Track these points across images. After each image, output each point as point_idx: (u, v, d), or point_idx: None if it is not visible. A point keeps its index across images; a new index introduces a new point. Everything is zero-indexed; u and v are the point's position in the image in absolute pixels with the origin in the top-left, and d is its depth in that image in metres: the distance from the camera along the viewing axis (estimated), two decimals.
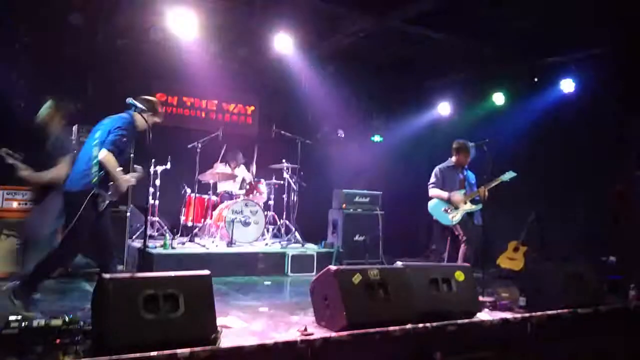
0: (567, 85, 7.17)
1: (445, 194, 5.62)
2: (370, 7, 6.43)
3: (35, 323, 2.94)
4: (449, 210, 5.59)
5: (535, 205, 7.01)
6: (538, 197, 7.18)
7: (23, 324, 2.88)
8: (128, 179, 4.08)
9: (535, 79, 7.63)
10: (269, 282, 5.88)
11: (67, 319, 3.02)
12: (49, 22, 6.40)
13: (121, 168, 3.99)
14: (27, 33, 6.45)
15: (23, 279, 3.89)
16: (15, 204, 5.39)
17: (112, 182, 3.95)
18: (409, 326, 3.61)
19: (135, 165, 4.37)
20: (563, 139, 7.17)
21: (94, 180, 3.85)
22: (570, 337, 4.25)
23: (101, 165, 3.87)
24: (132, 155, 4.73)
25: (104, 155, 3.84)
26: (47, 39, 6.64)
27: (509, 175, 5.50)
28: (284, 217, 7.55)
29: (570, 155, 7.10)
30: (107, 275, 3.07)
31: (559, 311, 4.28)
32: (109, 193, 3.96)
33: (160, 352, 2.83)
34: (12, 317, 2.90)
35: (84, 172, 3.88)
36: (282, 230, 7.46)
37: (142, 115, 4.08)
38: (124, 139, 3.92)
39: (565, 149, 7.18)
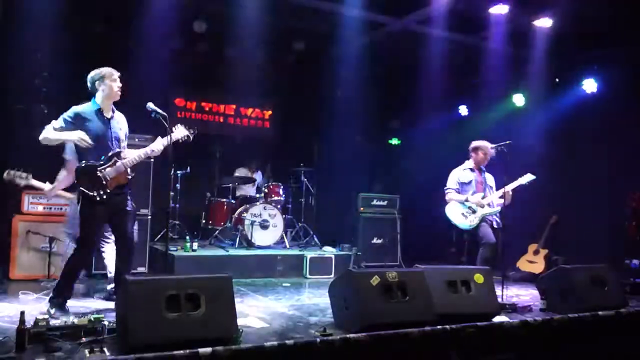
0: (589, 86, 7.05)
1: (463, 197, 5.58)
2: (386, 9, 6.47)
3: (62, 322, 3.03)
4: (466, 214, 5.51)
5: (556, 208, 6.93)
6: (559, 199, 7.11)
7: (50, 323, 2.98)
8: (73, 135, 3.87)
9: (557, 79, 7.53)
10: (288, 284, 5.92)
11: (92, 318, 3.11)
12: (69, 28, 6.55)
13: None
14: (48, 38, 6.60)
15: (55, 287, 3.98)
16: (40, 208, 5.53)
17: (99, 170, 3.87)
18: (427, 328, 3.62)
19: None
20: (584, 140, 7.07)
21: (78, 176, 3.86)
22: (592, 341, 4.20)
23: (79, 160, 3.88)
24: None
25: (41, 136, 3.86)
26: (66, 44, 6.79)
27: (527, 178, 5.44)
28: (302, 220, 7.59)
29: (592, 157, 7.00)
30: (130, 277, 3.15)
31: (580, 314, 4.23)
32: (103, 182, 3.86)
33: (182, 351, 2.89)
34: (40, 316, 2.99)
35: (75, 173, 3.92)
36: (301, 233, 7.50)
37: (100, 90, 4.00)
38: (62, 117, 3.88)
39: (586, 151, 7.08)
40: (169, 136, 4.15)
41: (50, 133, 3.89)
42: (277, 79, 8.57)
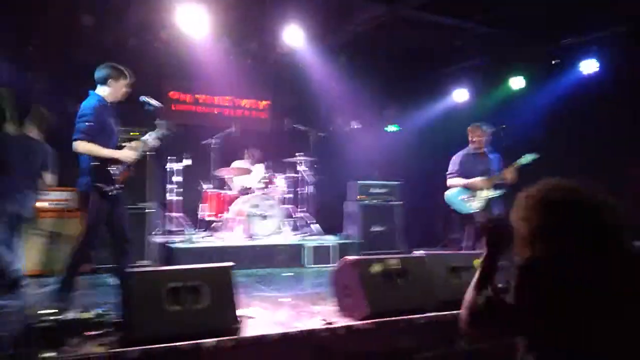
0: (588, 67, 6.97)
1: (462, 181, 5.52)
2: None
3: (67, 316, 3.03)
4: (466, 199, 5.48)
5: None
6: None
7: (56, 317, 2.98)
8: (126, 154, 3.99)
9: (554, 61, 7.48)
10: (288, 274, 5.93)
11: (97, 312, 3.11)
12: (59, 23, 6.48)
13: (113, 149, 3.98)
14: (38, 34, 6.54)
15: (59, 282, 3.98)
16: (46, 204, 5.51)
17: (111, 166, 3.91)
18: (432, 314, 3.63)
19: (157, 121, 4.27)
20: (584, 122, 7.03)
21: (94, 173, 3.87)
22: None
23: (89, 157, 3.88)
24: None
25: (75, 147, 3.83)
26: (58, 39, 6.73)
27: (530, 157, 5.38)
28: (301, 209, 7.59)
29: (592, 138, 6.97)
30: (132, 270, 3.15)
31: None
32: (114, 178, 3.92)
33: (186, 343, 2.90)
34: (45, 311, 2.99)
35: (83, 170, 3.92)
36: (300, 223, 7.50)
37: (108, 86, 4.02)
38: (87, 123, 3.83)
39: (586, 133, 7.05)
40: (158, 122, 4.13)
41: (97, 149, 3.86)
42: (272, 68, 8.52)
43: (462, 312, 1.74)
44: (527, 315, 1.64)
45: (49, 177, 4.82)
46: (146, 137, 4.23)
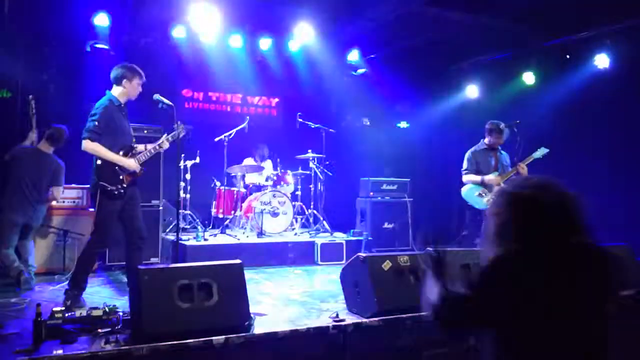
0: (602, 61, 6.87)
1: (478, 178, 5.53)
2: None
3: (77, 314, 3.07)
4: (483, 194, 5.50)
5: (569, 187, 6.84)
6: (572, 178, 6.99)
7: (66, 314, 3.01)
8: (128, 163, 4.04)
9: (567, 56, 7.38)
10: (299, 271, 5.95)
11: (107, 309, 3.14)
12: (73, 22, 6.55)
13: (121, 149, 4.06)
14: (52, 33, 6.61)
15: (70, 279, 4.03)
16: (54, 202, 5.58)
17: (117, 166, 3.97)
18: None
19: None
20: (598, 117, 6.94)
21: (97, 172, 3.93)
22: (617, 322, 4.16)
23: (98, 157, 3.93)
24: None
25: (83, 146, 3.90)
26: (71, 38, 6.80)
27: (541, 151, 5.38)
28: (312, 206, 7.59)
29: (606, 133, 6.88)
30: (143, 267, 3.18)
31: None
32: (120, 177, 3.97)
33: (196, 340, 2.92)
34: (56, 308, 3.03)
35: (93, 168, 3.99)
36: (311, 220, 7.51)
37: (122, 86, 4.09)
38: (96, 122, 3.90)
39: (600, 128, 6.96)
40: (176, 126, 4.19)
41: (101, 150, 3.92)
42: (282, 66, 8.52)
43: (433, 311, 1.80)
44: (487, 310, 1.69)
45: (58, 192, 5.05)
46: (162, 139, 4.31)
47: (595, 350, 1.68)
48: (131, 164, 4.07)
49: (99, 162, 3.94)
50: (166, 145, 4.32)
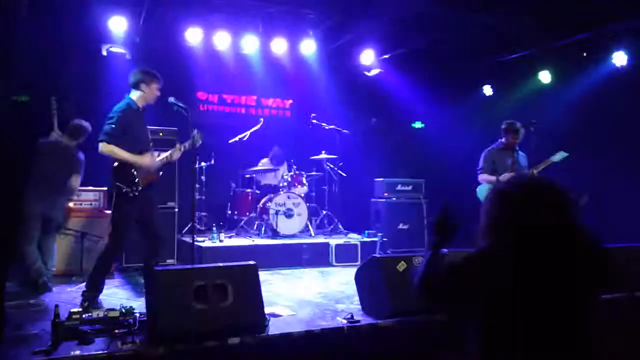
0: (619, 59, 6.77)
1: (493, 178, 5.45)
2: None
3: (94, 315, 3.10)
4: None
5: (588, 187, 6.74)
6: (590, 178, 6.90)
7: (84, 316, 3.05)
8: (144, 162, 4.08)
9: (584, 54, 7.27)
10: (314, 272, 5.94)
11: (123, 310, 3.17)
12: (90, 26, 6.64)
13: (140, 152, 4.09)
14: (69, 37, 6.71)
15: (87, 281, 4.08)
16: (71, 205, 5.66)
17: (134, 168, 4.01)
18: None
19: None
20: (616, 116, 6.82)
21: (113, 174, 3.97)
22: (630, 322, 4.09)
23: (115, 159, 3.97)
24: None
25: (100, 148, 3.94)
26: (88, 42, 6.90)
27: (560, 155, 5.26)
28: (326, 208, 7.59)
29: (624, 132, 6.75)
30: (159, 268, 3.21)
31: (616, 295, 4.13)
32: (136, 180, 4.00)
33: (212, 342, 2.93)
34: (73, 310, 3.07)
35: (110, 170, 4.03)
36: (325, 221, 7.51)
37: (141, 90, 4.14)
38: (114, 125, 3.94)
39: (618, 127, 6.84)
40: (193, 135, 4.24)
41: (118, 151, 3.96)
42: (296, 67, 8.54)
43: (418, 282, 1.90)
44: (458, 295, 1.79)
45: (75, 180, 5.09)
46: (175, 150, 4.37)
47: (573, 346, 1.68)
48: (146, 160, 4.11)
49: (115, 164, 3.98)
50: (177, 156, 4.38)
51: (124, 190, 3.93)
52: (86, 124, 5.19)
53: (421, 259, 3.77)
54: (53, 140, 5.09)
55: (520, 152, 5.65)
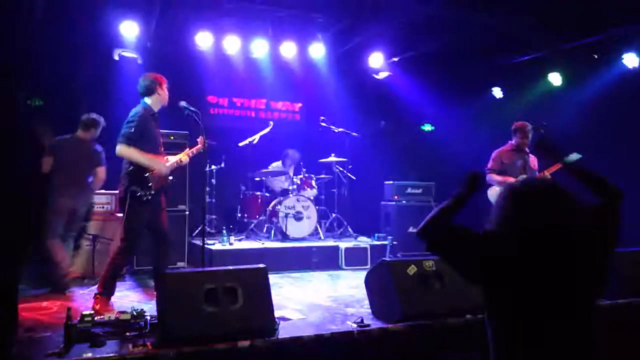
0: (630, 60, 6.71)
1: (501, 178, 5.42)
2: None
3: (106, 317, 3.13)
4: None
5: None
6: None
7: (96, 318, 3.08)
8: (160, 165, 4.14)
9: (595, 56, 7.22)
10: (323, 276, 5.94)
11: (135, 313, 3.19)
12: (102, 31, 6.71)
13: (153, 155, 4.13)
14: (81, 42, 6.78)
15: (98, 284, 4.12)
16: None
17: (148, 172, 4.05)
18: (468, 317, 3.56)
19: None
20: (628, 117, 6.76)
21: (128, 177, 4.01)
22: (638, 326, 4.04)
23: (130, 163, 4.01)
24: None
25: (118, 150, 3.99)
26: (100, 46, 6.97)
27: (573, 157, 5.22)
28: (336, 211, 7.59)
29: (636, 134, 6.68)
30: (170, 272, 3.23)
31: (627, 300, 4.08)
32: (149, 184, 4.05)
33: (222, 344, 2.94)
34: (85, 312, 3.10)
35: (122, 174, 4.07)
36: (335, 224, 7.50)
37: (156, 94, 4.21)
38: (133, 129, 3.98)
39: (630, 128, 6.77)
40: (201, 134, 4.28)
41: (136, 154, 4.00)
42: (305, 71, 8.56)
43: (424, 222, 1.94)
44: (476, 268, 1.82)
45: (102, 172, 5.25)
46: (183, 154, 4.42)
47: (578, 340, 1.74)
48: (160, 166, 4.16)
49: (131, 167, 4.01)
50: (186, 160, 4.43)
51: (139, 193, 3.97)
52: (96, 115, 5.28)
53: (432, 262, 3.77)
54: (68, 137, 5.20)
55: (531, 155, 5.61)
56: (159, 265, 4.20)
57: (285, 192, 7.35)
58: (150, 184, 4.05)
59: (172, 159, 4.35)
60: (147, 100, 4.21)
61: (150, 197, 4.04)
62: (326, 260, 6.43)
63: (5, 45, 4.44)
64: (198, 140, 4.46)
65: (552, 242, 1.75)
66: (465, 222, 1.96)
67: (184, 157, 4.40)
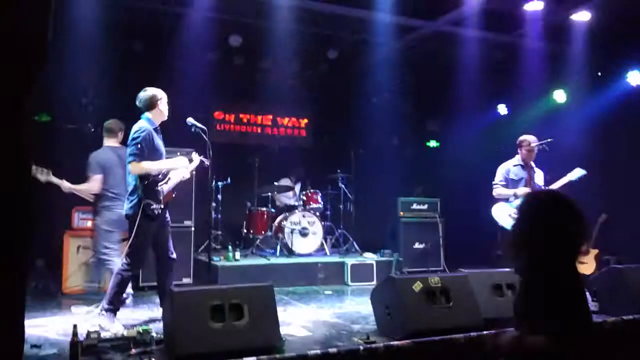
0: (634, 78, 6.78)
1: (510, 191, 5.39)
2: (419, 12, 6.43)
3: (112, 334, 3.14)
4: (513, 215, 5.35)
5: (604, 206, 6.65)
6: (607, 197, 6.81)
7: (101, 335, 3.09)
8: (184, 161, 4.20)
9: (599, 74, 7.26)
10: (329, 292, 5.92)
11: (140, 329, 3.20)
12: (111, 47, 6.80)
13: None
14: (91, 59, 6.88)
15: (104, 300, 4.12)
16: (89, 223, 5.73)
17: (159, 187, 4.08)
18: (473, 333, 3.54)
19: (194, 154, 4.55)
20: (631, 135, 6.78)
21: (140, 193, 3.99)
22: None
23: (142, 178, 4.01)
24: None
25: (132, 169, 3.99)
26: (112, 62, 7.07)
27: (577, 173, 5.22)
28: (341, 226, 7.59)
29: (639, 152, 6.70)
30: (175, 289, 3.24)
31: (635, 316, 4.04)
32: (160, 197, 4.05)
33: None
34: (91, 329, 3.11)
35: (132, 190, 4.06)
36: (340, 240, 7.50)
37: (157, 108, 4.24)
38: (139, 145, 4.00)
39: (633, 146, 6.78)
40: (207, 148, 4.31)
41: (150, 165, 4.03)
42: (312, 87, 8.64)
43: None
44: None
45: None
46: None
47: None
48: (179, 164, 4.22)
49: (145, 182, 4.04)
50: (188, 176, 4.44)
51: (153, 206, 3.98)
52: (114, 119, 5.19)
53: (438, 278, 3.77)
54: (100, 150, 5.08)
55: (536, 169, 5.61)
56: (164, 281, 4.20)
57: (291, 208, 7.36)
58: (161, 198, 4.07)
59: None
60: (148, 114, 4.23)
61: (159, 212, 4.06)
62: (332, 276, 6.41)
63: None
64: (193, 156, 4.47)
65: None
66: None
67: (186, 173, 4.40)
